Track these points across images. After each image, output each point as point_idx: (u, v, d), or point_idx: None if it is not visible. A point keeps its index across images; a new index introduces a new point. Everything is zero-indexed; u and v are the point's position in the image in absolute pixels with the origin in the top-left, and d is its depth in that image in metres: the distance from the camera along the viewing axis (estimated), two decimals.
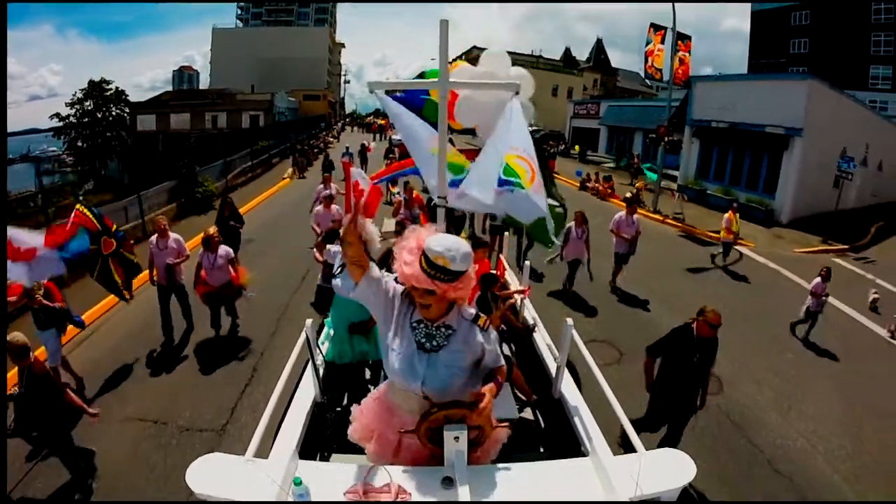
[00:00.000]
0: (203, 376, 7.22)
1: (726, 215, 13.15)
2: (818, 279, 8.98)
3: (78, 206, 6.81)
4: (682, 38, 18.08)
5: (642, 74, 22.02)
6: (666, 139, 17.66)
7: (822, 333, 9.15)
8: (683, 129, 22.21)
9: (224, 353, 7.76)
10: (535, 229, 5.93)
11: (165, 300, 8.17)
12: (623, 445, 4.54)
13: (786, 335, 9.24)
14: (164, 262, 7.81)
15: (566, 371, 3.80)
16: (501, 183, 3.47)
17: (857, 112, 20.40)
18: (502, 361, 2.64)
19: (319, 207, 9.84)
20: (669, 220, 17.82)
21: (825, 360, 8.53)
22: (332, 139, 43.28)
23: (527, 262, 5.96)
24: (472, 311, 2.53)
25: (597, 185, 22.14)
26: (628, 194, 20.01)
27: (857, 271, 13.80)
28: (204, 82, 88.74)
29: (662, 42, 18.92)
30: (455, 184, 3.98)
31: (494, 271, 5.52)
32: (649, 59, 19.30)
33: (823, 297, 8.94)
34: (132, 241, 8.23)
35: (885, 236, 18.00)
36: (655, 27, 18.95)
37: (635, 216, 10.68)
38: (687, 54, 18.35)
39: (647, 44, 19.03)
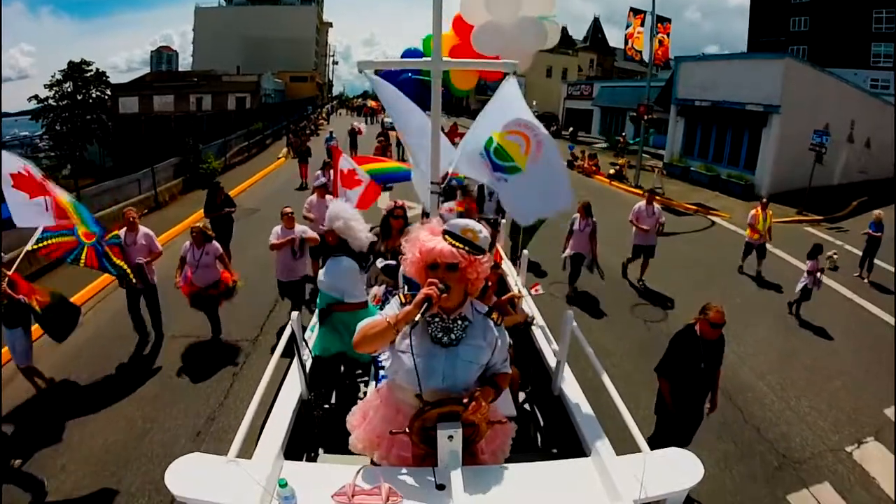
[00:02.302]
0: (187, 382, 7.12)
1: (752, 212, 11.66)
2: (810, 260, 9.52)
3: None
4: (661, 21, 20.02)
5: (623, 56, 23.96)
6: (646, 118, 19.62)
7: (781, 288, 10.89)
8: (669, 109, 24.21)
9: (207, 357, 7.64)
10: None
11: (135, 302, 7.74)
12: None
13: (734, 283, 11.11)
14: (133, 259, 7.28)
15: (566, 366, 3.80)
16: (495, 168, 3.65)
17: (840, 89, 22.17)
18: (509, 368, 2.70)
19: (313, 197, 9.71)
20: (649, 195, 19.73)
21: (774, 306, 10.24)
22: (322, 121, 44.82)
23: (525, 252, 6.08)
24: (485, 306, 2.62)
25: (583, 163, 24.21)
26: (612, 171, 22.35)
27: (826, 238, 15.50)
28: (183, 63, 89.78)
29: (642, 25, 20.91)
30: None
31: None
32: (629, 42, 21.31)
33: (818, 274, 9.47)
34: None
35: (865, 210, 19.61)
36: (635, 11, 20.95)
37: (656, 205, 10.58)
38: (666, 36, 20.30)
39: (627, 27, 20.99)
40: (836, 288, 11.44)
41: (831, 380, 7.82)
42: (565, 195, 3.97)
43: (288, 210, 7.98)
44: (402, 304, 2.44)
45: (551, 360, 4.03)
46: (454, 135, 18.64)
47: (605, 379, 3.27)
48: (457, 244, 2.40)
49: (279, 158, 25.49)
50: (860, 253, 12.42)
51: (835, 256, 12.58)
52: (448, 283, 2.38)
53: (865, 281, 11.89)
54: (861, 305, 10.71)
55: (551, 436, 3.84)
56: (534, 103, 41.34)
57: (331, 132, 24.16)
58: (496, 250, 6.70)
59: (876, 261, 12.11)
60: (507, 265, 6.32)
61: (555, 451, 3.54)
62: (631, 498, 2.28)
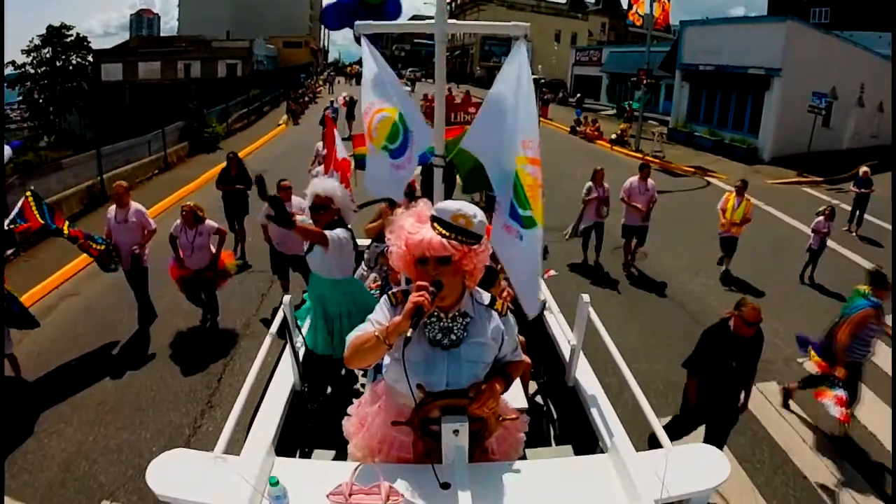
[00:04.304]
0: (176, 373, 7.14)
1: (724, 196, 10.61)
2: (820, 218, 10.06)
3: (28, 195, 6.53)
4: None
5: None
6: (645, 82, 21.50)
7: (760, 240, 12.31)
8: (674, 73, 26.06)
9: (197, 345, 7.67)
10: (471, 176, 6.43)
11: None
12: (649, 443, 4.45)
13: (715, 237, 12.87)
14: (124, 239, 7.31)
15: (582, 355, 3.79)
16: (513, 215, 3.05)
17: (848, 52, 23.87)
18: (521, 356, 2.71)
19: (320, 168, 9.28)
20: (648, 158, 21.44)
21: (748, 255, 11.57)
22: (320, 88, 46.47)
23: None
24: (487, 295, 2.57)
25: (585, 128, 26.33)
26: (613, 136, 24.19)
27: (823, 198, 17.20)
28: (165, 28, 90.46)
29: None
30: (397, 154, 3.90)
31: None
32: (633, 7, 23.05)
33: (824, 233, 10.06)
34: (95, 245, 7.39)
35: (873, 173, 21.18)
36: None
37: (650, 181, 10.32)
38: (667, 1, 22.01)
39: None
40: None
41: (797, 309, 9.37)
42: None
43: (285, 183, 7.91)
44: (393, 305, 2.43)
45: (565, 349, 3.94)
46: (468, 105, 19.58)
47: (624, 368, 3.26)
48: (447, 234, 2.29)
49: (279, 125, 27.69)
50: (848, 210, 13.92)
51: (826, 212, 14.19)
52: (441, 280, 2.31)
53: (854, 234, 13.43)
54: (844, 255, 12.22)
55: (565, 430, 3.88)
56: (539, 68, 42.97)
57: (331, 101, 25.73)
58: None
59: (868, 216, 13.68)
60: None
61: (569, 446, 3.58)
62: (652, 498, 2.25)
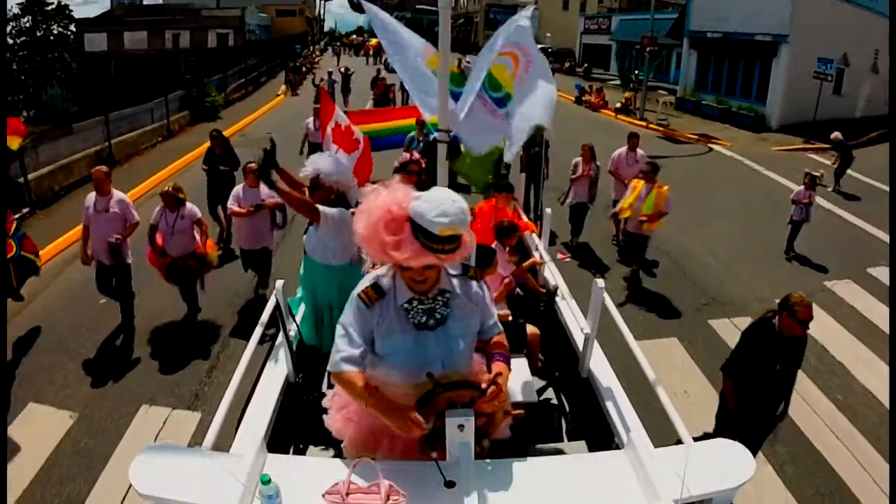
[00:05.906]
0: (159, 370, 7.07)
1: (632, 183, 8.95)
2: (801, 188, 10.44)
3: None
4: None
5: None
6: (648, 50, 22.75)
7: (758, 200, 13.51)
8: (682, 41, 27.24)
9: (182, 339, 7.64)
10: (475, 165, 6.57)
11: (106, 282, 7.45)
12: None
13: (711, 198, 14.07)
14: (103, 231, 7.05)
15: (596, 344, 3.78)
16: (498, 102, 3.55)
17: (860, 17, 24.44)
18: (500, 328, 2.74)
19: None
20: (653, 126, 23.01)
21: (745, 214, 12.99)
22: (318, 58, 47.53)
23: (547, 212, 6.02)
24: (457, 266, 2.57)
25: (590, 97, 27.74)
26: (618, 104, 25.43)
27: (827, 163, 18.06)
28: None
29: None
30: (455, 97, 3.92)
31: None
32: None
33: (804, 203, 10.38)
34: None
35: (884, 140, 21.18)
36: None
37: (640, 151, 10.27)
38: None
39: None
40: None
41: (779, 255, 10.57)
42: (544, 113, 3.64)
43: (251, 166, 7.78)
44: (368, 306, 2.43)
45: (578, 338, 3.94)
46: None
47: (641, 357, 3.23)
48: (434, 246, 2.21)
49: (278, 95, 29.28)
50: (852, 175, 15.56)
51: (817, 174, 15.30)
52: (425, 277, 2.37)
53: (832, 191, 14.84)
54: (829, 210, 13.50)
55: (578, 424, 3.90)
56: (548, 35, 43.72)
57: (329, 72, 26.87)
58: (517, 209, 6.56)
59: (849, 171, 15.28)
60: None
61: (582, 441, 3.59)
62: (671, 497, 2.21)
